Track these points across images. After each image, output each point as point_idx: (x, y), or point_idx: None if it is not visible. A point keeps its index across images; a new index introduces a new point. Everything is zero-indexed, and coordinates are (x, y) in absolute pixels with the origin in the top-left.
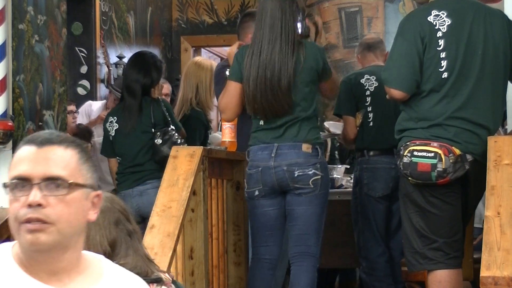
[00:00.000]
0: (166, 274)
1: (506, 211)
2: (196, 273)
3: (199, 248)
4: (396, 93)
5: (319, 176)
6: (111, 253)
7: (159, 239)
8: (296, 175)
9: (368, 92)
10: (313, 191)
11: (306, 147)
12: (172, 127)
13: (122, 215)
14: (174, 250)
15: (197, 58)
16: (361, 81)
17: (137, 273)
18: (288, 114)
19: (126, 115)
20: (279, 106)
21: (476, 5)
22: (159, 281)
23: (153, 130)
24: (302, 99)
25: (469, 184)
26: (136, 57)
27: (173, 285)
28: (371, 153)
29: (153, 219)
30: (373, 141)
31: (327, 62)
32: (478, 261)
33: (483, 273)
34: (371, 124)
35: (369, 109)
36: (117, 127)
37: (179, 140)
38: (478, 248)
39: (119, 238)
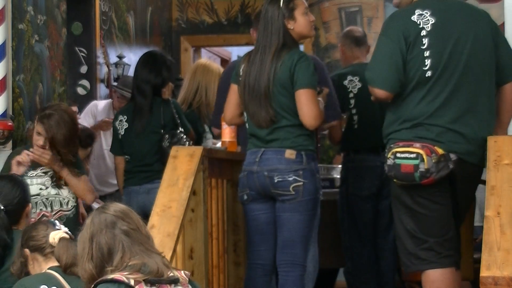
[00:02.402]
0: (182, 273)
1: (506, 211)
2: (196, 273)
3: (199, 248)
4: (380, 92)
5: (301, 183)
6: (107, 259)
7: (159, 239)
8: (276, 181)
9: (351, 95)
10: (295, 198)
11: (289, 153)
12: (180, 129)
13: (115, 218)
14: (174, 250)
15: (205, 61)
16: (344, 83)
17: (149, 273)
18: (272, 121)
19: (137, 116)
20: (263, 113)
21: (460, 4)
22: (176, 281)
23: (162, 131)
24: (283, 108)
25: (456, 183)
26: (147, 57)
27: (189, 285)
28: (356, 152)
29: (153, 219)
30: (359, 142)
31: (305, 72)
32: (478, 261)
33: (483, 273)
34: (355, 126)
35: (354, 111)
36: (126, 126)
37: (187, 143)
38: (478, 248)
39: (114, 243)
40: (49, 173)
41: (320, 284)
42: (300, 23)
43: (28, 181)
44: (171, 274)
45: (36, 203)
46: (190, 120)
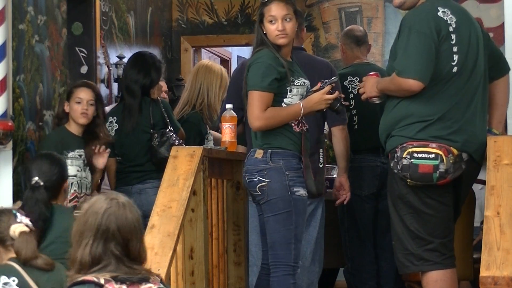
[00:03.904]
0: (155, 275)
1: (505, 211)
2: (196, 273)
3: (199, 248)
4: (414, 83)
5: (265, 183)
6: (89, 265)
7: (159, 239)
8: (247, 181)
9: (351, 95)
10: (263, 198)
11: (258, 153)
12: (170, 128)
13: (113, 235)
14: (174, 250)
15: (207, 62)
16: (344, 83)
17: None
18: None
19: (126, 116)
20: (246, 112)
21: (461, 7)
22: (147, 279)
23: (151, 130)
24: None
25: (462, 183)
26: (136, 58)
27: (160, 284)
28: (356, 152)
29: (153, 219)
30: (359, 143)
31: (252, 74)
32: (478, 261)
33: (483, 273)
34: (356, 127)
35: (354, 112)
36: (116, 127)
37: (177, 142)
38: (478, 248)
39: (105, 256)
40: (82, 156)
41: (320, 284)
42: (267, 30)
43: (69, 161)
44: (143, 273)
45: (71, 183)
46: (193, 122)
